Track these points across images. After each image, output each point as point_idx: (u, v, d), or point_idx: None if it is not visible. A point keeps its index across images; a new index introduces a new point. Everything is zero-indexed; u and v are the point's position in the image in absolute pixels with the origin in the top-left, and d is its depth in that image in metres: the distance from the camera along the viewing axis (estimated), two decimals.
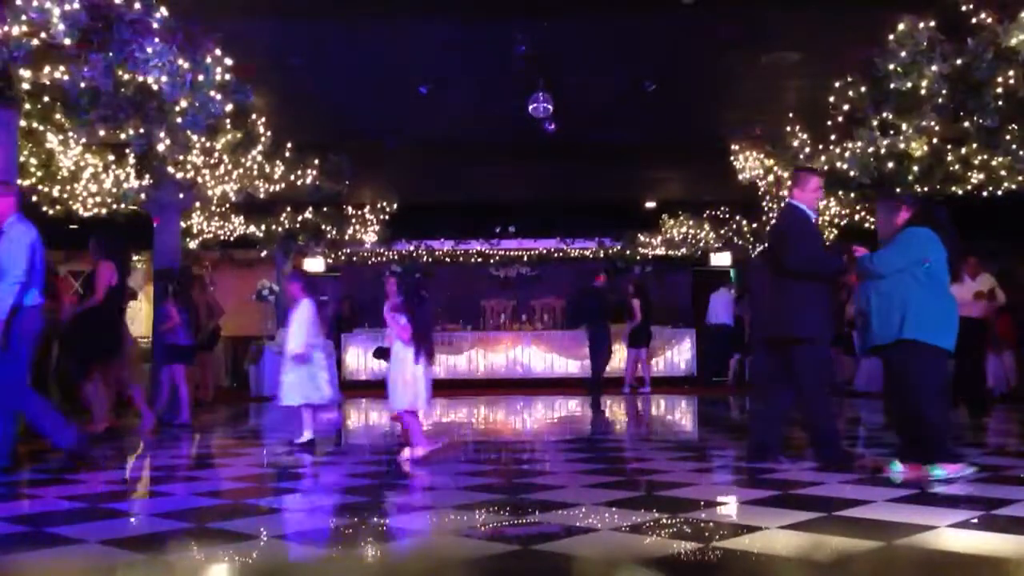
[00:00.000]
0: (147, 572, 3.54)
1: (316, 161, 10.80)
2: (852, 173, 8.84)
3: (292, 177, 10.47)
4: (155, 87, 6.06)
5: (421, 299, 6.60)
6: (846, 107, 8.46)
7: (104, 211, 9.87)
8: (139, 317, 15.44)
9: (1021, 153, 8.19)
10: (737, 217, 14.88)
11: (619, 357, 13.43)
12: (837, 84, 8.42)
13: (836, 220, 12.70)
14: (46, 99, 6.75)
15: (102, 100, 6.15)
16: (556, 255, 17.03)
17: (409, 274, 7.04)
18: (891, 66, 7.60)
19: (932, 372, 5.25)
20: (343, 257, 16.73)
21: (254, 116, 9.14)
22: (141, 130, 6.73)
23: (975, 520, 4.14)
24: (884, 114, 8.18)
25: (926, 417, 5.22)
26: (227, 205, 12.09)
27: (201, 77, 6.24)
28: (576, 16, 7.94)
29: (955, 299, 5.41)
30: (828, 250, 6.12)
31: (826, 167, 9.15)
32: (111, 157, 9.21)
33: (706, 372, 15.32)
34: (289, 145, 10.20)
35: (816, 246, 5.87)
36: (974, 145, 8.43)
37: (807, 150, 9.43)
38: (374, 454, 7.06)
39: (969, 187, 9.30)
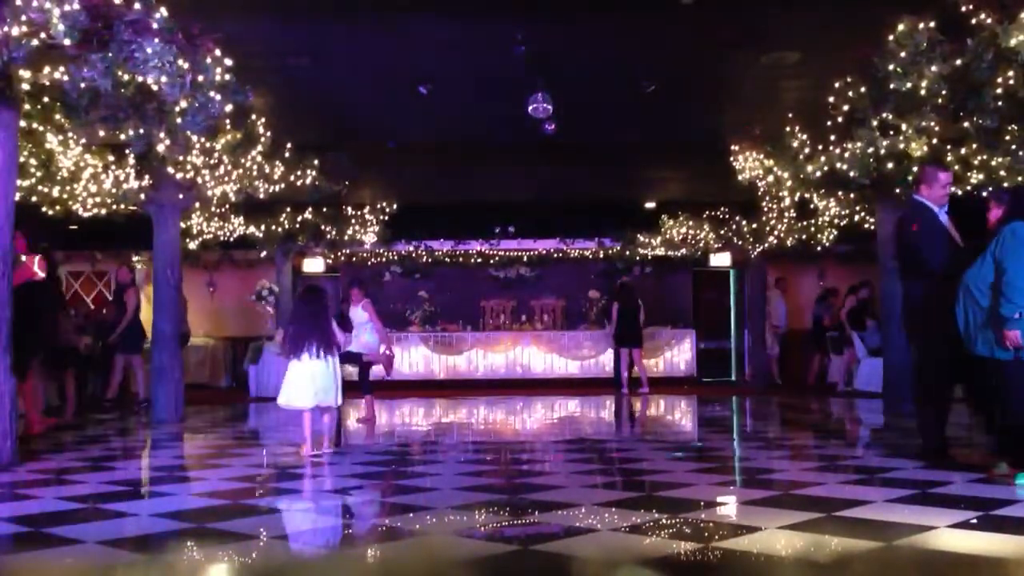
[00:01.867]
0: (147, 572, 3.54)
1: (316, 161, 10.80)
2: (852, 174, 8.83)
3: (292, 177, 10.46)
4: (155, 87, 6.05)
5: (304, 302, 7.06)
6: (846, 107, 8.45)
7: (104, 211, 9.85)
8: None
9: (1021, 153, 8.17)
10: (737, 217, 14.86)
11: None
12: (837, 84, 8.40)
13: (836, 220, 12.70)
14: (46, 99, 6.74)
15: (102, 100, 6.14)
16: (556, 255, 17.01)
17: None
18: (891, 66, 7.58)
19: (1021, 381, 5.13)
20: (343, 257, 16.73)
21: (254, 116, 9.14)
22: (141, 130, 6.72)
23: (975, 520, 4.14)
24: (884, 114, 8.17)
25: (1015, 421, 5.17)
26: (227, 205, 12.08)
27: (201, 77, 6.23)
28: (576, 16, 7.93)
29: None
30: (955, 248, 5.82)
31: (826, 167, 9.14)
32: (111, 157, 9.19)
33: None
34: (289, 145, 10.20)
35: (931, 244, 5.72)
36: (974, 145, 8.41)
37: (807, 150, 9.42)
38: (371, 454, 7.06)
39: (969, 187, 9.30)
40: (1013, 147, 8.08)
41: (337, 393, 6.99)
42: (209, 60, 6.28)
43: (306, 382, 6.78)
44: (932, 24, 7.31)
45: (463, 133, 11.56)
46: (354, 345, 8.98)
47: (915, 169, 8.75)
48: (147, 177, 9.35)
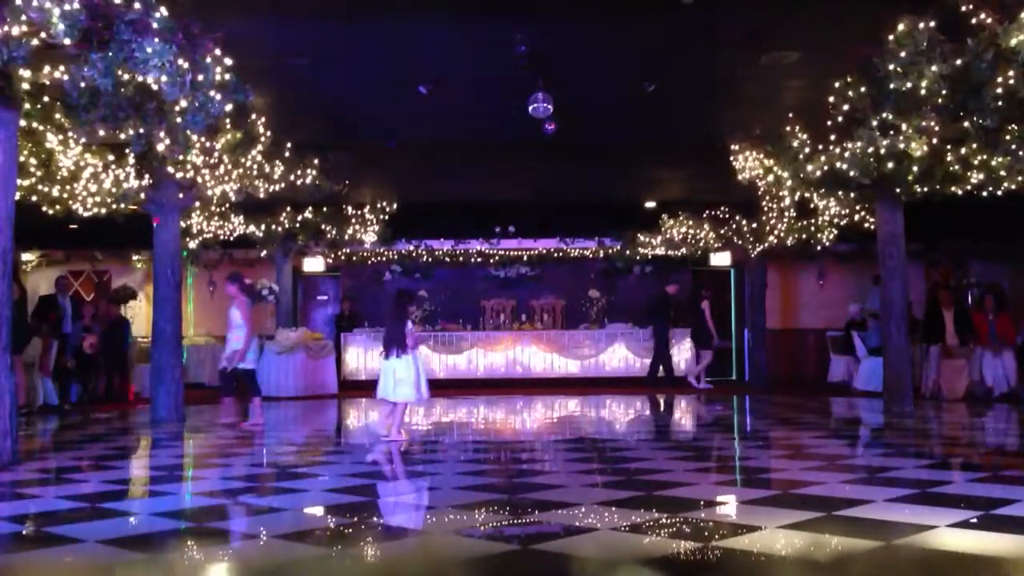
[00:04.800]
0: (147, 572, 3.54)
1: (316, 161, 10.80)
2: (852, 173, 8.83)
3: (292, 177, 10.46)
4: (155, 87, 6.05)
5: (393, 307, 7.85)
6: (846, 107, 8.45)
7: (104, 211, 9.85)
8: (139, 317, 15.45)
9: (1021, 153, 8.17)
10: (737, 217, 14.86)
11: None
12: (837, 84, 8.40)
13: (836, 220, 12.70)
14: (46, 99, 6.74)
15: (102, 100, 6.14)
16: (556, 255, 17.01)
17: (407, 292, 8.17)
18: (891, 66, 7.59)
19: None
20: (343, 257, 16.72)
21: (254, 115, 9.13)
22: (141, 130, 6.71)
23: (975, 520, 4.14)
24: (884, 114, 8.17)
25: None
26: (227, 205, 12.07)
27: (201, 77, 6.23)
28: (576, 16, 7.93)
29: None
30: None
31: (826, 167, 9.14)
32: (111, 157, 9.19)
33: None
34: (289, 145, 10.19)
35: None
36: (974, 145, 8.41)
37: (807, 150, 9.42)
38: (371, 453, 7.05)
39: (969, 187, 9.29)
40: (1013, 147, 8.08)
41: (402, 387, 7.62)
42: (209, 60, 6.28)
43: (390, 378, 7.65)
44: (932, 24, 7.31)
45: (463, 133, 11.56)
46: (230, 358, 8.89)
47: (915, 169, 8.76)
48: (147, 177, 9.34)
